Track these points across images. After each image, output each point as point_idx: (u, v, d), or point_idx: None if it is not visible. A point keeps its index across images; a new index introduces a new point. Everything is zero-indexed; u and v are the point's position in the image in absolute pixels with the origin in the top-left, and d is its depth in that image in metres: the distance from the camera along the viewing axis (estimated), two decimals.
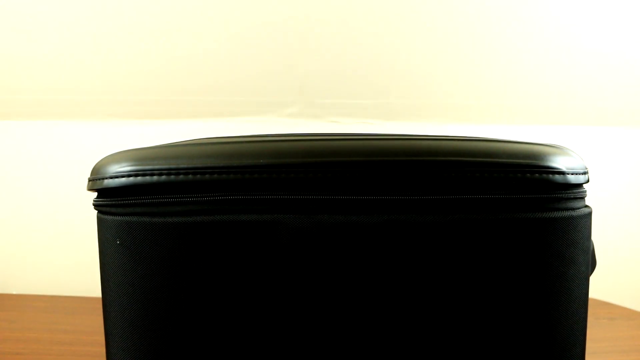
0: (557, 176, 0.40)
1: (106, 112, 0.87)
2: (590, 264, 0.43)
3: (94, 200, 0.42)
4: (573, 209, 0.41)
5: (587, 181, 0.42)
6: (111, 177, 0.40)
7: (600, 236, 0.60)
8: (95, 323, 0.64)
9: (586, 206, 0.42)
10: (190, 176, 0.39)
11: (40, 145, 0.88)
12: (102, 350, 0.44)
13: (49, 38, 0.84)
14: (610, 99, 0.90)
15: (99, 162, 0.42)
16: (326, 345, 0.40)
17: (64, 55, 0.85)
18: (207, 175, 0.39)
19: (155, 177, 0.39)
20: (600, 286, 0.75)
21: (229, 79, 0.86)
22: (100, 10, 0.84)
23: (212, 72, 0.86)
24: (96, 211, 0.42)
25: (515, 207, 0.39)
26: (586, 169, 0.42)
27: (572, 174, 0.40)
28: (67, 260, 0.90)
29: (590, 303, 0.43)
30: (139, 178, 0.39)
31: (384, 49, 0.86)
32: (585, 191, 0.42)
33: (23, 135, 0.88)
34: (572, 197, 0.40)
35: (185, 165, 0.39)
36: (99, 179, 0.40)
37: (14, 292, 0.90)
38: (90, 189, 0.41)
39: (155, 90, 0.86)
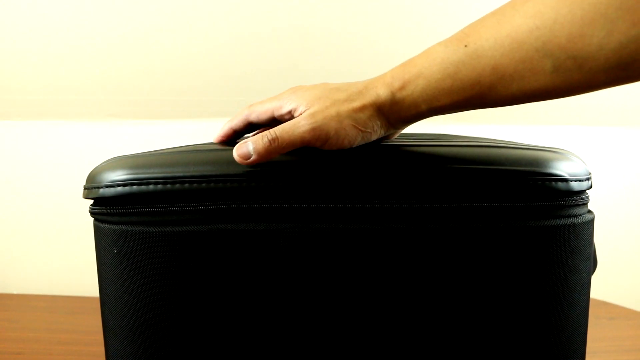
0: (560, 184, 0.39)
1: (106, 112, 0.86)
2: (592, 265, 0.43)
3: (90, 208, 0.41)
4: (575, 215, 0.40)
5: (590, 187, 0.41)
6: (107, 186, 0.39)
7: (601, 236, 0.60)
8: (96, 323, 0.63)
9: (589, 212, 0.42)
10: (186, 185, 0.38)
11: (40, 145, 0.88)
12: (102, 350, 0.44)
13: (49, 38, 0.84)
14: (610, 99, 0.89)
15: (94, 169, 0.41)
16: (325, 353, 0.40)
17: (64, 55, 0.84)
18: (203, 184, 0.38)
19: (151, 186, 0.39)
20: (600, 286, 0.75)
21: (229, 79, 0.86)
22: (100, 10, 0.83)
23: (213, 73, 0.85)
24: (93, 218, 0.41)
25: (517, 215, 0.39)
26: (589, 174, 0.41)
27: (575, 181, 0.40)
28: (67, 260, 0.89)
29: (590, 303, 0.43)
30: (135, 187, 0.39)
31: (384, 49, 0.85)
32: (588, 197, 0.41)
33: (23, 135, 0.88)
34: (574, 204, 0.40)
35: (181, 174, 0.39)
36: (95, 188, 0.40)
37: (15, 292, 0.90)
38: (86, 197, 0.41)
39: (155, 90, 0.86)
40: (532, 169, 0.39)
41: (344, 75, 0.85)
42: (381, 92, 0.39)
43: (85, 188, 0.41)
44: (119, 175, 0.39)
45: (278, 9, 0.84)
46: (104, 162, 0.41)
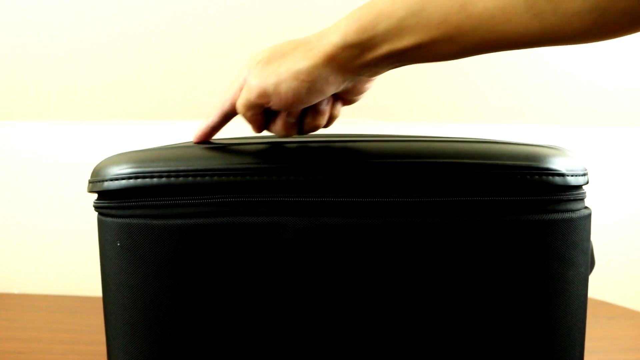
0: (556, 178, 0.40)
1: (106, 112, 0.87)
2: (590, 263, 0.43)
3: (94, 202, 0.42)
4: (573, 210, 0.41)
5: (587, 182, 0.42)
6: (111, 180, 0.40)
7: (600, 236, 0.60)
8: (97, 322, 0.64)
9: (586, 207, 0.42)
10: (190, 178, 0.39)
11: (41, 145, 0.88)
12: (104, 349, 0.44)
13: (49, 38, 0.84)
14: (610, 99, 0.90)
15: (99, 164, 0.42)
16: (328, 346, 0.40)
17: (64, 55, 0.85)
18: (207, 178, 0.39)
19: (155, 180, 0.39)
20: (599, 286, 0.75)
21: (230, 79, 0.86)
22: (101, 10, 0.84)
23: (213, 72, 0.86)
24: (97, 213, 0.42)
25: (515, 209, 0.39)
26: (586, 170, 0.42)
27: (571, 176, 0.40)
28: (69, 259, 0.90)
29: (589, 302, 0.44)
30: (139, 180, 0.39)
31: None
32: (585, 192, 0.42)
33: (23, 135, 0.88)
34: (571, 198, 0.40)
35: (185, 168, 0.39)
36: (99, 181, 0.40)
37: (16, 292, 0.90)
38: (91, 191, 0.41)
39: (155, 90, 0.86)
40: (530, 163, 0.40)
41: None
42: (333, 38, 0.37)
43: (89, 182, 0.41)
44: (123, 168, 0.40)
45: (277, 8, 0.84)
46: (109, 156, 0.42)
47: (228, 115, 0.44)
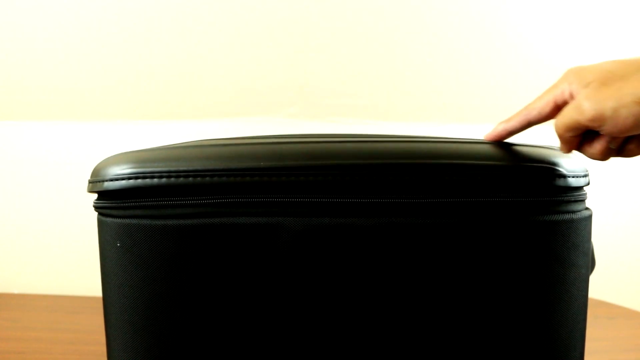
0: (558, 179, 0.40)
1: (106, 112, 0.87)
2: (590, 264, 0.43)
3: (94, 202, 0.42)
4: (573, 211, 0.41)
5: (588, 184, 0.42)
6: (111, 180, 0.40)
7: (600, 237, 0.60)
8: (97, 322, 0.64)
9: (587, 208, 0.42)
10: (190, 179, 0.39)
11: (41, 145, 0.88)
12: (104, 349, 0.44)
13: (49, 38, 0.84)
14: None
15: (99, 164, 0.42)
16: (327, 347, 0.40)
17: (64, 55, 0.85)
18: (207, 178, 0.39)
19: (155, 180, 0.39)
20: (599, 286, 0.75)
21: (229, 79, 0.86)
22: (101, 10, 0.84)
23: (213, 72, 0.86)
24: (97, 213, 0.42)
25: (515, 210, 0.39)
26: (587, 171, 0.42)
27: (573, 177, 0.40)
28: (69, 259, 0.90)
29: (589, 302, 0.44)
30: (139, 180, 0.39)
31: (383, 49, 0.85)
32: (586, 193, 0.42)
33: (23, 135, 0.88)
34: (572, 199, 0.40)
35: (185, 168, 0.39)
36: (99, 181, 0.40)
37: (16, 292, 0.90)
38: (91, 191, 0.41)
39: (155, 90, 0.86)
40: (530, 164, 0.40)
41: (345, 75, 0.86)
42: None
43: (89, 182, 0.41)
44: (123, 169, 0.40)
45: (278, 9, 0.84)
46: (109, 156, 0.42)
47: (531, 124, 0.42)
